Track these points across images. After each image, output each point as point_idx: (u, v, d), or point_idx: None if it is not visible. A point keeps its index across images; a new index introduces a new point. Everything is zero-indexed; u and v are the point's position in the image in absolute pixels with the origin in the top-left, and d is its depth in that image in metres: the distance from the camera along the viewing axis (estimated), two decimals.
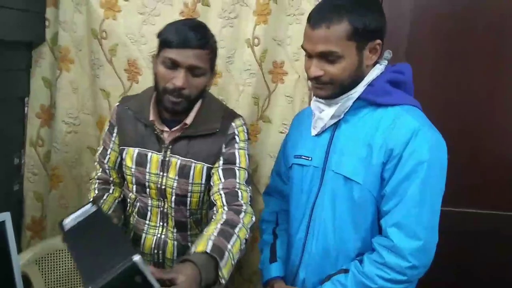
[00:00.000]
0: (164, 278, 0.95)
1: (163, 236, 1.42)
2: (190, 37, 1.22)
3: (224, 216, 1.23)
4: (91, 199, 1.24)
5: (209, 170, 1.36)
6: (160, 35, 1.28)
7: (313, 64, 1.17)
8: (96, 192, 1.45)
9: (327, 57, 1.15)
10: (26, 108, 1.90)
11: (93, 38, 1.81)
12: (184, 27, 1.25)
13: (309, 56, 1.19)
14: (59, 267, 1.76)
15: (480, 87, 1.87)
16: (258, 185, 1.98)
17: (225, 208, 1.27)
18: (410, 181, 1.11)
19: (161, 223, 1.42)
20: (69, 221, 1.12)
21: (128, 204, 1.48)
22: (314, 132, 1.29)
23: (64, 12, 1.81)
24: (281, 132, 1.90)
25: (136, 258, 0.83)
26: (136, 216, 1.46)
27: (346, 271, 1.19)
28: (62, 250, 1.77)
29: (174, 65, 1.24)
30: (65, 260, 1.74)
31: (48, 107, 1.92)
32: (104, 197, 1.42)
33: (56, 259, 1.77)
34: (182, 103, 1.27)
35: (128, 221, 1.50)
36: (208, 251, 1.06)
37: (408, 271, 1.11)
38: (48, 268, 1.74)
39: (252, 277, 2.05)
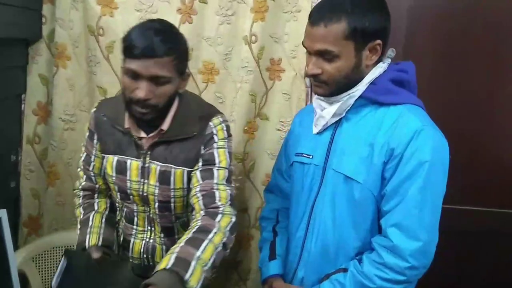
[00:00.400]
0: None
1: (151, 241, 1.41)
2: (151, 45, 1.14)
3: (199, 223, 1.20)
4: (64, 251, 1.24)
5: (190, 174, 1.32)
6: (123, 41, 1.20)
7: (311, 62, 1.17)
8: (82, 213, 1.42)
9: (324, 55, 1.14)
10: (22, 105, 1.89)
11: (90, 35, 1.80)
12: (146, 34, 1.16)
13: (309, 53, 1.19)
14: (56, 264, 1.76)
15: (479, 86, 1.86)
16: (255, 183, 1.98)
17: (202, 212, 1.24)
18: (411, 181, 1.10)
19: (148, 228, 1.41)
20: (54, 283, 1.16)
21: (117, 209, 1.47)
22: (315, 130, 1.29)
23: (60, 9, 1.80)
24: (278, 130, 1.90)
25: None
26: (124, 221, 1.45)
27: (345, 270, 1.19)
28: (59, 247, 1.77)
29: (135, 75, 1.17)
30: (62, 257, 1.73)
31: (44, 104, 1.91)
32: (90, 224, 1.38)
33: (53, 256, 1.76)
34: (150, 113, 1.22)
35: (118, 226, 1.48)
36: (169, 267, 1.04)
37: (407, 272, 1.11)
38: (45, 265, 1.74)
39: (248, 275, 2.06)
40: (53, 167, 1.93)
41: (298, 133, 1.39)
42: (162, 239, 1.40)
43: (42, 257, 1.73)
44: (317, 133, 1.29)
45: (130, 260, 1.45)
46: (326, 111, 1.24)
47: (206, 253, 1.12)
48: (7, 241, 1.08)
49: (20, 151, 1.92)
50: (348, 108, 1.21)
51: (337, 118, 1.23)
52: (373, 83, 1.18)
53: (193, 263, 1.07)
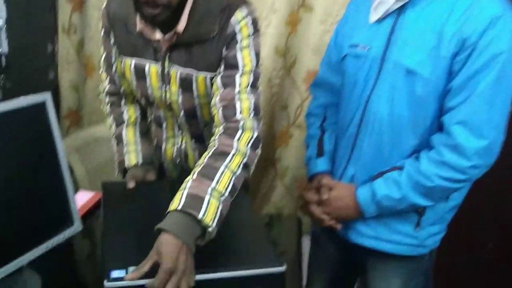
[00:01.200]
0: (147, 270, 0.88)
1: (182, 147, 1.36)
2: None
3: (216, 142, 1.10)
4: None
5: (213, 79, 1.19)
6: None
7: None
8: (113, 126, 1.36)
9: None
10: None
11: None
12: None
13: None
14: (98, 155, 1.78)
15: None
16: (296, 79, 1.92)
17: (221, 128, 1.13)
18: (483, 75, 1.00)
19: (178, 133, 1.35)
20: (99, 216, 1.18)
21: (148, 112, 1.40)
22: (374, 17, 1.15)
23: None
24: (323, 23, 1.78)
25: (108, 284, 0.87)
26: (154, 125, 1.39)
27: (400, 168, 1.13)
28: (101, 140, 1.78)
29: None
30: (103, 149, 1.75)
31: None
32: (125, 141, 1.33)
33: (95, 148, 1.78)
34: (163, 13, 1.05)
35: (149, 129, 1.43)
36: (180, 207, 0.96)
37: (469, 171, 1.05)
38: (87, 156, 1.76)
39: (286, 172, 2.07)
40: (90, 58, 1.89)
41: (353, 21, 1.26)
42: (193, 144, 1.35)
43: (84, 149, 1.75)
44: (376, 21, 1.16)
45: (165, 164, 1.42)
46: None
47: (222, 182, 1.02)
48: (53, 125, 1.03)
49: (57, 41, 1.86)
50: None
51: (401, 3, 1.10)
52: None
53: (207, 197, 0.98)
